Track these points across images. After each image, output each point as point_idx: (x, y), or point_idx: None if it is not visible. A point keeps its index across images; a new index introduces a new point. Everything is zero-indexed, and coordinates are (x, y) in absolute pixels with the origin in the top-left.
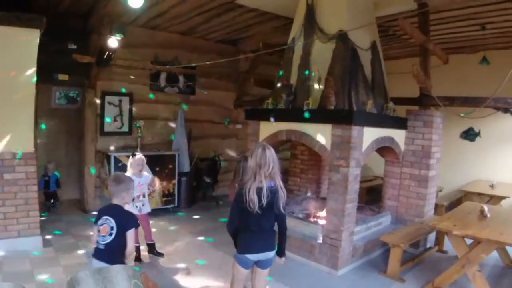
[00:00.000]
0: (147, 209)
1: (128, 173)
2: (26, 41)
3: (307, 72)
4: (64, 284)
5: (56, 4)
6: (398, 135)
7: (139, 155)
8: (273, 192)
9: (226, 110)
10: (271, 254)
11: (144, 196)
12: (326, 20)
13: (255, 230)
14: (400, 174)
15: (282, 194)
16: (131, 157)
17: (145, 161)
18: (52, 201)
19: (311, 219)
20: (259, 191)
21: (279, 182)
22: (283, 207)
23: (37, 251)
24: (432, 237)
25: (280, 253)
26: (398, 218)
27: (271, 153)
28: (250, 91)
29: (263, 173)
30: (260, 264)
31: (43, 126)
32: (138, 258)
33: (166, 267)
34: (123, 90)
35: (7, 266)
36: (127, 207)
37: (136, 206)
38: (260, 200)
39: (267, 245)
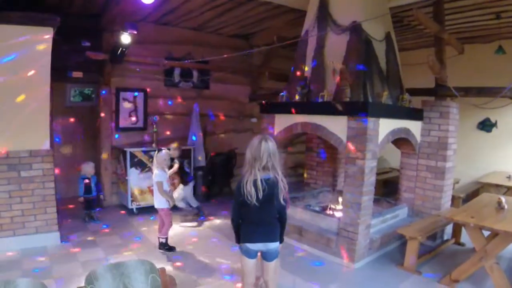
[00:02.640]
0: None
1: (159, 170)
2: (40, 40)
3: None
4: (83, 279)
5: (69, 3)
6: (414, 126)
7: (164, 150)
8: (270, 184)
9: (241, 104)
10: (273, 245)
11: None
12: (340, 12)
13: (254, 222)
14: (417, 165)
15: (282, 186)
16: (156, 152)
17: (169, 155)
18: (93, 210)
19: (328, 212)
20: (255, 183)
21: (279, 174)
22: (283, 199)
23: (55, 247)
24: (449, 229)
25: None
26: (415, 211)
27: (267, 146)
28: (264, 85)
29: (257, 166)
30: (264, 256)
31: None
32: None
33: (183, 261)
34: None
35: (25, 262)
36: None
37: (168, 201)
38: (257, 192)
39: (267, 236)
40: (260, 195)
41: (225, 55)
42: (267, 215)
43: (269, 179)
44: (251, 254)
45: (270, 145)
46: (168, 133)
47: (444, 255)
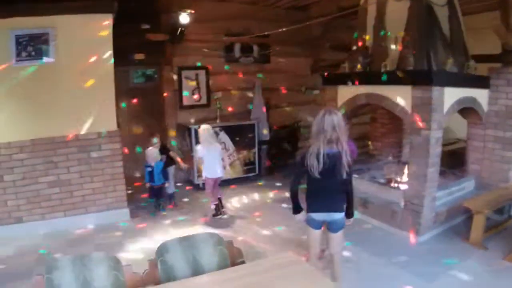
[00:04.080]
0: None
1: (218, 144)
2: (101, 25)
3: (382, 33)
4: (153, 252)
5: None
6: (481, 95)
7: (204, 126)
8: (333, 158)
9: (302, 77)
10: (337, 215)
11: None
12: None
13: (317, 192)
14: (484, 136)
15: (346, 160)
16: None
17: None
18: (161, 199)
19: (393, 184)
20: (317, 156)
21: (343, 148)
22: (347, 172)
23: (125, 222)
24: None
25: (347, 215)
26: (482, 183)
27: (331, 119)
28: (325, 56)
29: (322, 138)
30: (329, 226)
31: (123, 105)
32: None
33: (249, 234)
34: (199, 64)
35: (97, 238)
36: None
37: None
38: (319, 165)
39: (330, 206)
40: (321, 168)
41: (284, 28)
42: (329, 186)
43: (331, 153)
44: (315, 225)
45: (334, 118)
46: (231, 108)
47: (510, 230)
